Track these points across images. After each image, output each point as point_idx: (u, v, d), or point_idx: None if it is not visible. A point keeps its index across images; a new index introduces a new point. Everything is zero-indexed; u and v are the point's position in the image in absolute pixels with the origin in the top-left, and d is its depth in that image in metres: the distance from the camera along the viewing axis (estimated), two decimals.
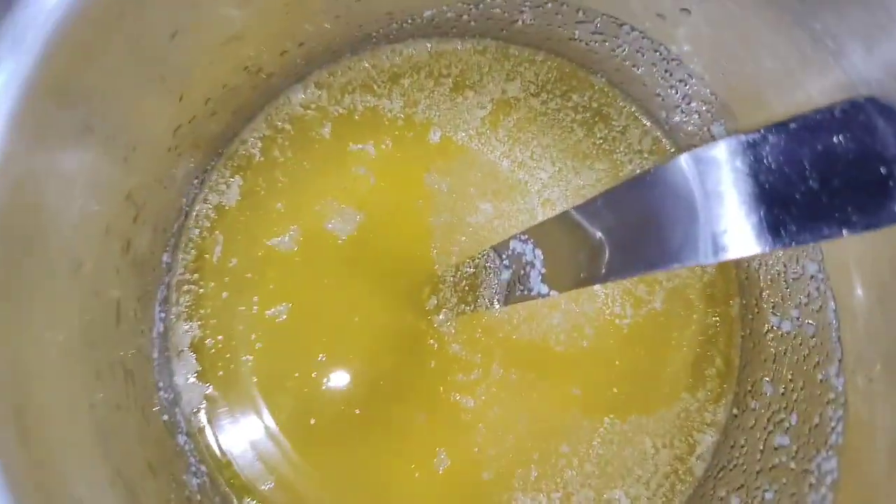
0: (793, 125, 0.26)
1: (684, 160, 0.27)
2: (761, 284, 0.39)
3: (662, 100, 0.39)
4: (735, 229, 0.26)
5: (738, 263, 0.41)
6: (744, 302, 0.41)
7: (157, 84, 0.28)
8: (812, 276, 0.34)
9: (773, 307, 0.38)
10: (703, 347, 0.41)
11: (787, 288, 0.37)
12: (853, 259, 0.31)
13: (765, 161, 0.26)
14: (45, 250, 0.23)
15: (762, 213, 0.26)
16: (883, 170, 0.25)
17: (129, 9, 0.23)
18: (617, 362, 0.41)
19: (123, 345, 0.31)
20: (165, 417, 0.35)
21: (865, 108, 0.26)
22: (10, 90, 0.21)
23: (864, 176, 0.25)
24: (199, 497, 0.34)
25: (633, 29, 0.35)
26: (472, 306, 0.39)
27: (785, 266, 0.36)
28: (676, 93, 0.38)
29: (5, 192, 0.20)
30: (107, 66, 0.24)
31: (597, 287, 0.41)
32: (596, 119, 0.42)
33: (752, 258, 0.40)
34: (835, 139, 0.26)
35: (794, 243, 0.24)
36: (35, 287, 0.22)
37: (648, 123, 0.42)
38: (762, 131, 0.26)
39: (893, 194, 0.24)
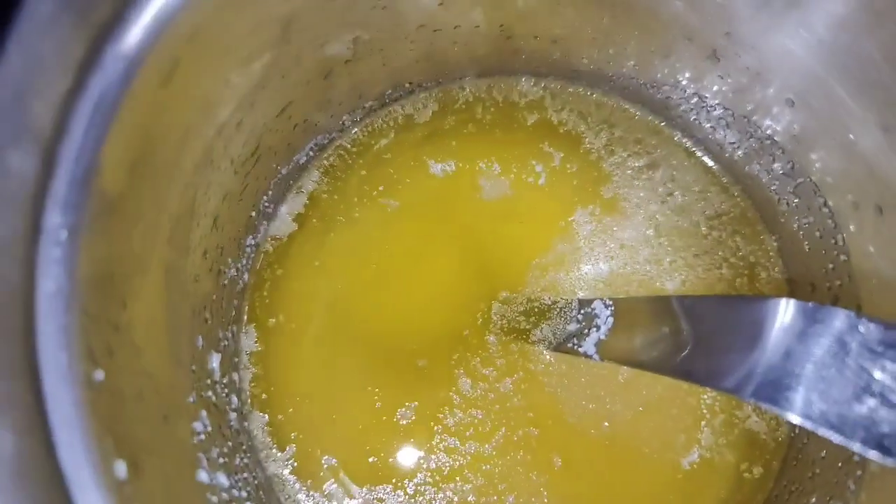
0: None
1: (800, 307, 0.26)
2: None
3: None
4: (784, 387, 0.25)
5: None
6: None
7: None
8: None
9: None
10: None
11: None
12: None
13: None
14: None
15: (819, 389, 0.25)
16: None
17: None
18: (606, 470, 0.40)
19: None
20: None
21: None
22: None
23: None
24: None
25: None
26: (528, 327, 0.41)
27: None
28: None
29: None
30: None
31: (634, 399, 0.41)
32: (745, 273, 0.43)
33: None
34: None
35: (817, 427, 0.24)
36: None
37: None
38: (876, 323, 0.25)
39: None
